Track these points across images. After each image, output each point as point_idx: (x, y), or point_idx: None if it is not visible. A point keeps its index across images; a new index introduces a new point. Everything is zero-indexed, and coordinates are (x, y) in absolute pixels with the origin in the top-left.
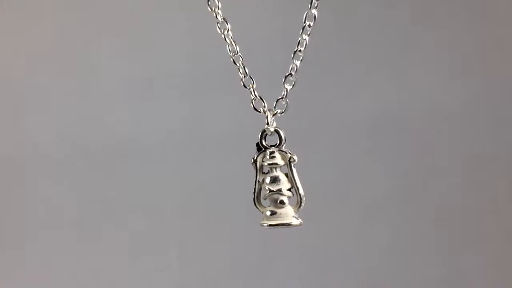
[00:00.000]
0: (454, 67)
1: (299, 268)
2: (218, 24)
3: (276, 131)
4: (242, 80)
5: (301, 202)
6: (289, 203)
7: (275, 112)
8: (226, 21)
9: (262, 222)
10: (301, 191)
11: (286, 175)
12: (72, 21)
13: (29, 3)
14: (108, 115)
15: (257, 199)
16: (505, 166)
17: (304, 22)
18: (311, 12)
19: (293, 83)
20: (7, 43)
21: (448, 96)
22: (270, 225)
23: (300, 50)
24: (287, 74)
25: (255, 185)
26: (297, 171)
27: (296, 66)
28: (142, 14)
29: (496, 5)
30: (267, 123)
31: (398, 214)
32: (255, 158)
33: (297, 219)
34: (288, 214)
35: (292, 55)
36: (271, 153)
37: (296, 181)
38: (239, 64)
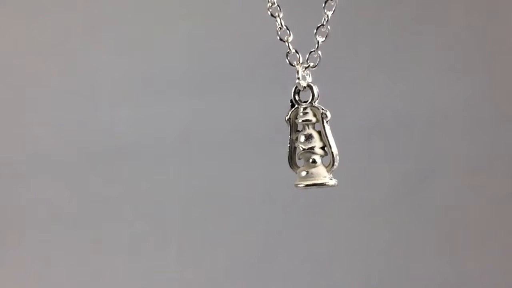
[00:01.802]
0: (454, 67)
1: (299, 268)
2: None
3: (309, 86)
4: (277, 33)
5: (334, 161)
6: (323, 162)
7: (307, 65)
8: None
9: (297, 182)
10: (334, 149)
11: (319, 132)
12: (72, 21)
13: (29, 3)
14: (108, 115)
15: (291, 159)
16: (505, 166)
17: None
18: None
19: (325, 34)
20: (7, 43)
21: (448, 96)
22: (307, 185)
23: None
24: (319, 25)
25: (289, 143)
26: (330, 128)
27: (328, 16)
28: (142, 14)
29: (496, 5)
30: (298, 78)
31: (398, 214)
32: (288, 115)
33: (331, 179)
34: (320, 174)
35: (324, 4)
36: (304, 109)
37: (329, 139)
38: (276, 15)
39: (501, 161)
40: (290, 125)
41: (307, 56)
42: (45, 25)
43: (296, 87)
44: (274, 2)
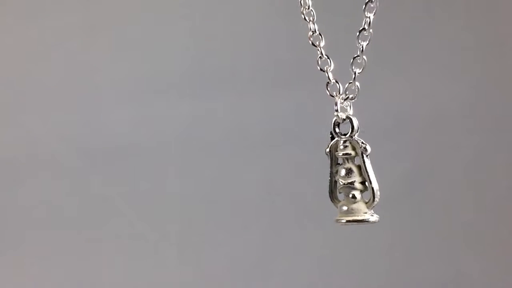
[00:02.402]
0: (454, 67)
1: (299, 269)
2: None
3: (348, 118)
4: (318, 62)
5: (374, 197)
6: (363, 198)
7: (346, 96)
8: None
9: (338, 218)
10: (375, 185)
11: (359, 167)
12: (71, 21)
13: (28, 3)
14: (108, 115)
15: (332, 192)
16: (505, 166)
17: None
18: None
19: (362, 66)
20: (7, 43)
21: (448, 96)
22: (348, 221)
23: (364, 29)
24: (355, 55)
25: (330, 177)
26: (370, 163)
27: (362, 46)
28: (142, 14)
29: (496, 5)
30: (337, 109)
31: (398, 214)
32: (329, 148)
33: (373, 215)
34: (360, 210)
35: (358, 34)
36: (344, 142)
37: (369, 173)
38: (317, 44)
39: (501, 161)
40: (330, 157)
41: (345, 87)
42: (45, 25)
43: (336, 119)
44: (315, 30)
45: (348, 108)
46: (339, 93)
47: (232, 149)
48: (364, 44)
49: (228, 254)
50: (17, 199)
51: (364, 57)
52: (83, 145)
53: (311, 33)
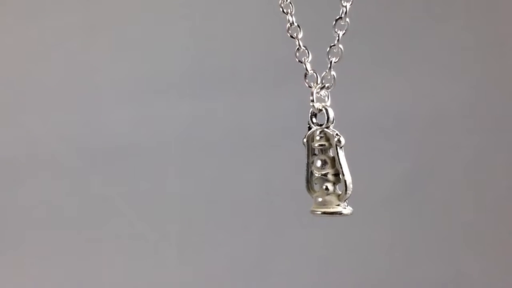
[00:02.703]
0: (454, 67)
1: (299, 268)
2: None
3: (324, 109)
4: (296, 54)
5: (346, 190)
6: (336, 190)
7: (322, 85)
8: None
9: (313, 209)
10: (347, 177)
11: (334, 158)
12: (71, 21)
13: (28, 3)
14: (108, 115)
15: (308, 182)
16: (505, 166)
17: None
18: None
19: (338, 55)
20: (7, 43)
21: (448, 96)
22: (324, 212)
23: (341, 18)
24: (331, 44)
25: (307, 167)
26: (345, 155)
27: (338, 35)
28: (142, 14)
29: (496, 5)
30: (312, 100)
31: (398, 214)
32: (305, 138)
33: (345, 207)
34: (333, 202)
35: (334, 22)
36: (320, 132)
37: (343, 165)
38: (295, 36)
39: (501, 161)
40: (307, 148)
41: (321, 78)
42: (45, 25)
43: (312, 109)
44: (293, 22)
45: (326, 98)
46: (316, 83)
47: (232, 149)
48: (341, 33)
49: (228, 254)
50: (17, 199)
51: (341, 46)
52: (83, 145)
53: (289, 25)
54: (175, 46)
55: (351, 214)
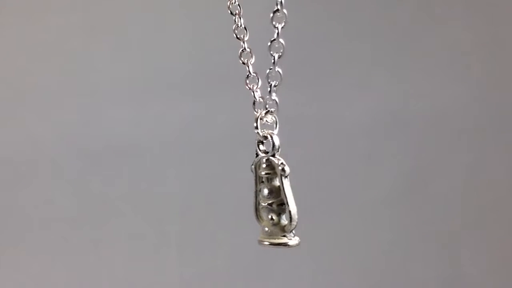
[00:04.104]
0: (454, 67)
1: (299, 268)
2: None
3: (270, 136)
4: (240, 55)
5: (291, 220)
6: (281, 220)
7: (266, 110)
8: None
9: (260, 239)
10: (292, 207)
11: (279, 187)
12: (71, 21)
13: (29, 3)
14: (108, 116)
15: (257, 211)
16: (505, 166)
17: None
18: None
19: (280, 50)
20: (7, 43)
21: (448, 96)
22: (271, 243)
23: (278, 10)
24: (272, 39)
25: (255, 196)
26: (290, 184)
27: (278, 29)
28: (142, 14)
29: (496, 5)
30: (256, 127)
31: (398, 214)
32: (253, 165)
33: (291, 238)
34: (277, 232)
35: (271, 15)
36: (266, 160)
37: (287, 195)
38: (241, 38)
39: (501, 161)
40: (255, 175)
41: (266, 73)
42: (45, 25)
43: (257, 137)
44: (240, 24)
45: (274, 125)
46: (257, 86)
47: (231, 149)
48: (280, 26)
49: (227, 254)
50: (17, 199)
51: (281, 40)
52: (83, 145)
53: (236, 26)
54: (175, 46)
55: (297, 245)
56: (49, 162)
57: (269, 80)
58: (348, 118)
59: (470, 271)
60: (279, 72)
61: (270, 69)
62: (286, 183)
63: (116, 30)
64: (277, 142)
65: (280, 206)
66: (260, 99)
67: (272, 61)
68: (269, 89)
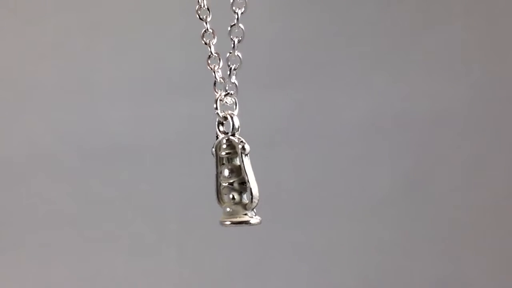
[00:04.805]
0: (454, 67)
1: (299, 268)
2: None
3: (230, 117)
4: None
5: (252, 199)
6: (243, 199)
7: (226, 92)
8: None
9: (221, 219)
10: (253, 185)
11: (240, 167)
12: (71, 21)
13: (29, 3)
14: (108, 115)
15: (219, 193)
16: (505, 166)
17: None
18: None
19: (240, 34)
20: (7, 43)
21: (448, 96)
22: (232, 222)
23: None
24: (232, 24)
25: (216, 178)
26: (251, 163)
27: (238, 14)
28: (142, 14)
29: (496, 5)
30: (216, 108)
31: (398, 214)
32: (214, 148)
33: (252, 217)
34: (239, 211)
35: (232, 1)
36: (226, 141)
37: (248, 173)
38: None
39: (501, 161)
40: (216, 158)
41: (226, 57)
42: (45, 25)
43: (218, 118)
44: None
45: (234, 106)
46: (219, 67)
47: None
48: (239, 12)
49: (227, 254)
50: (17, 199)
51: (241, 25)
52: (83, 145)
53: (199, 7)
54: (175, 46)
55: (259, 223)
56: (49, 162)
57: (229, 64)
58: (347, 118)
59: (470, 271)
60: (238, 56)
61: (230, 53)
62: (247, 161)
63: (116, 30)
64: (236, 122)
65: (241, 184)
66: (221, 79)
67: (232, 45)
68: (228, 72)
